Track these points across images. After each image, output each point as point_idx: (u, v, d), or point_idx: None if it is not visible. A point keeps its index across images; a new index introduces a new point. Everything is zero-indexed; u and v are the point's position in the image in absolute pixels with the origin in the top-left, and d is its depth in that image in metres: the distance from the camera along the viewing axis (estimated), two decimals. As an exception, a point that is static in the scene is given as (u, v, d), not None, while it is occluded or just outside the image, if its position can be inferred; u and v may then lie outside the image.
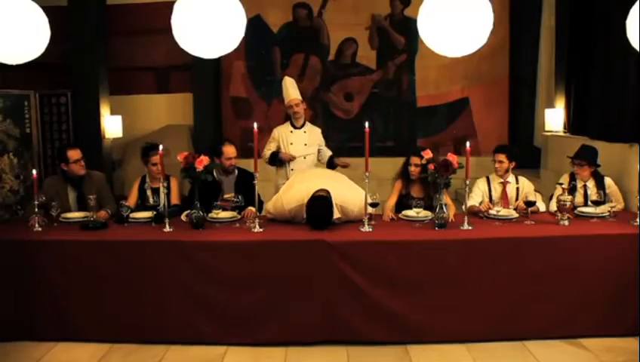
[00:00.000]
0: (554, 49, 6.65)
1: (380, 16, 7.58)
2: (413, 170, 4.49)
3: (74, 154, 4.57)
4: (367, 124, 3.93)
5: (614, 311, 3.87)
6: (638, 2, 3.48)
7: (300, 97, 5.33)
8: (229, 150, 4.68)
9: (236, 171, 4.75)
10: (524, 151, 6.96)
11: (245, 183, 4.58)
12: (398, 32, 7.57)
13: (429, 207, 4.27)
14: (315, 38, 7.60)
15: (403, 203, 4.50)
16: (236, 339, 3.86)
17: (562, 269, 3.85)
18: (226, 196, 4.45)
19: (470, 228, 3.99)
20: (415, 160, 4.47)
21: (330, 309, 3.82)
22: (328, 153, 5.41)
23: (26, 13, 3.36)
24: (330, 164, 5.34)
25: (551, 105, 6.57)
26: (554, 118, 6.34)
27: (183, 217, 4.30)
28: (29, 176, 6.01)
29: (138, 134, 7.13)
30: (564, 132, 6.21)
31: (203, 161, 4.00)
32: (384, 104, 7.74)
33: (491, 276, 3.84)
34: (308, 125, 5.41)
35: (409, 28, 7.37)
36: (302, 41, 7.60)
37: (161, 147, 4.14)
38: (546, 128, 6.47)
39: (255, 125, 4.08)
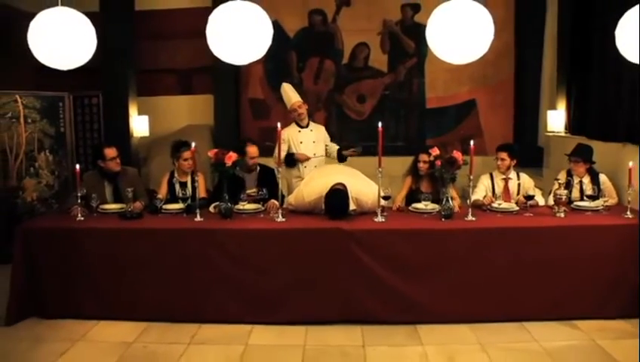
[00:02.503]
0: (556, 54, 6.85)
1: (392, 22, 7.73)
2: (422, 166, 4.84)
3: (110, 152, 4.94)
4: (380, 124, 4.24)
5: (606, 295, 4.16)
6: (626, 15, 3.80)
7: (300, 99, 5.60)
8: (252, 150, 5.03)
9: (258, 168, 5.12)
10: (528, 150, 7.13)
11: (267, 178, 4.96)
12: (408, 37, 7.71)
13: (436, 200, 4.59)
14: (330, 42, 7.78)
15: (413, 197, 4.83)
16: (261, 319, 4.18)
17: (558, 257, 4.13)
18: (248, 191, 4.81)
19: (474, 219, 4.30)
20: (424, 157, 4.82)
21: (346, 292, 4.13)
22: (335, 147, 5.68)
23: (76, 24, 3.73)
24: (340, 156, 5.60)
25: (553, 107, 6.75)
26: (556, 119, 6.52)
27: (212, 209, 4.67)
28: (63, 172, 6.39)
29: (162, 133, 7.38)
30: (565, 132, 6.38)
31: (232, 156, 4.37)
32: (395, 105, 7.87)
33: (493, 262, 4.13)
34: (312, 124, 5.68)
35: (419, 33, 7.49)
36: (317, 46, 7.78)
37: (193, 144, 4.53)
38: (548, 129, 6.63)
39: (279, 125, 4.46)
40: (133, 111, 6.90)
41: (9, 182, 5.91)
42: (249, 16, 3.53)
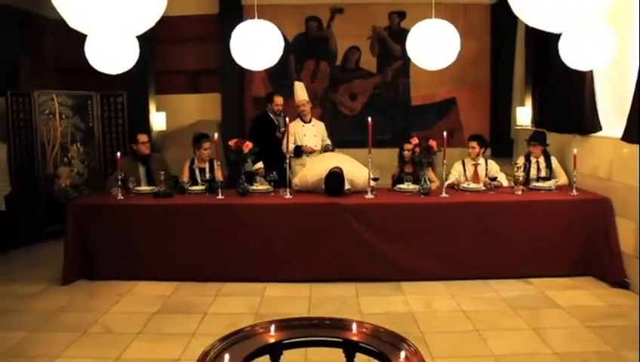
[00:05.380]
0: (525, 59, 7.55)
1: (380, 28, 8.37)
2: (406, 153, 5.75)
3: (142, 137, 5.89)
4: (369, 119, 5.12)
5: (555, 257, 5.04)
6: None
7: (307, 98, 6.44)
8: (279, 100, 6.31)
9: (283, 114, 6.22)
10: (502, 143, 7.94)
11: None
12: (395, 42, 8.32)
13: (417, 180, 5.45)
14: (325, 46, 8.40)
15: (399, 177, 5.73)
16: (273, 278, 4.99)
17: (516, 226, 5.00)
18: (282, 130, 6.12)
19: (447, 195, 5.17)
20: (407, 145, 5.71)
21: (343, 255, 4.96)
22: (326, 142, 6.48)
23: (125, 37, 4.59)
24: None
25: (522, 104, 7.53)
26: (524, 115, 7.29)
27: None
28: (92, 162, 7.23)
29: (175, 128, 8.10)
30: (532, 126, 7.13)
31: (248, 145, 5.26)
32: (383, 103, 8.46)
33: (462, 231, 4.99)
34: (314, 120, 6.50)
35: (404, 38, 8.17)
36: (313, 49, 8.39)
37: (216, 135, 5.39)
38: (518, 123, 7.43)
39: (287, 119, 5.34)
40: (152, 108, 7.69)
41: (47, 170, 6.74)
42: (266, 32, 4.38)
